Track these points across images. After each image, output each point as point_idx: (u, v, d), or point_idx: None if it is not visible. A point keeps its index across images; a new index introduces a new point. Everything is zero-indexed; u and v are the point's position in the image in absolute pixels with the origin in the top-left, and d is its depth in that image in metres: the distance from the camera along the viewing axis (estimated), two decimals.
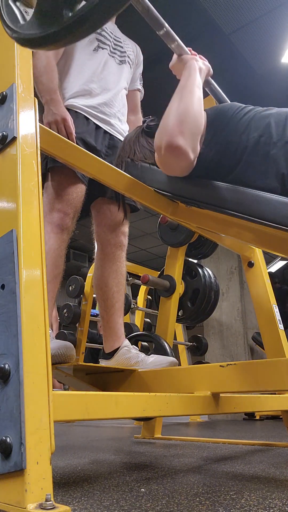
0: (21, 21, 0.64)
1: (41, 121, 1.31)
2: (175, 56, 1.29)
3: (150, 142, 1.35)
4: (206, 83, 1.36)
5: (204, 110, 1.22)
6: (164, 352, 1.73)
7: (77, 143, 1.52)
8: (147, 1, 1.13)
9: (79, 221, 1.63)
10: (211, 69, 1.33)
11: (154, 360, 1.55)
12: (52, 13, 0.58)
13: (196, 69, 1.23)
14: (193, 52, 1.30)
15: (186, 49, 1.28)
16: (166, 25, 1.19)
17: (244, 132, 1.14)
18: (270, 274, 4.46)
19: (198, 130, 1.11)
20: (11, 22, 0.64)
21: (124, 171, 1.38)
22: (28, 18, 0.64)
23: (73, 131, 1.55)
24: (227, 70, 3.44)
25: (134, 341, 1.89)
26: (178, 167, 1.14)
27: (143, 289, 3.79)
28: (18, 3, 0.66)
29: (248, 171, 1.11)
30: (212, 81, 1.39)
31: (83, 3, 0.56)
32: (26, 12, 0.85)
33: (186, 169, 1.16)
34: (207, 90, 1.40)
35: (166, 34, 1.21)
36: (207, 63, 1.31)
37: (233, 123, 1.17)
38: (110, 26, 1.84)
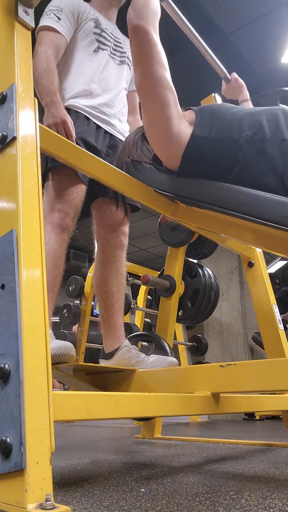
0: None
1: (41, 122, 1.32)
2: None
3: (149, 149, 1.36)
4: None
5: (191, 108, 1.27)
6: (164, 352, 1.73)
7: (77, 143, 1.53)
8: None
9: (79, 221, 1.63)
10: None
11: (154, 360, 1.55)
12: None
13: None
14: None
15: None
16: None
17: (235, 130, 1.14)
18: (270, 275, 4.46)
19: (156, 14, 1.23)
20: None
21: (124, 171, 1.38)
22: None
23: (73, 134, 1.55)
24: (227, 70, 3.44)
25: (134, 341, 1.89)
26: (147, 54, 1.18)
27: (143, 289, 3.79)
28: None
29: (247, 170, 1.12)
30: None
31: None
32: (26, 12, 0.85)
33: (168, 110, 1.18)
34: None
35: None
36: None
37: (224, 116, 1.20)
38: (111, 27, 1.84)
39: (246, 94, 1.74)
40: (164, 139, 1.20)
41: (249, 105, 1.70)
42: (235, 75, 1.75)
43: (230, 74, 1.75)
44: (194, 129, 1.19)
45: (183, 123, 1.19)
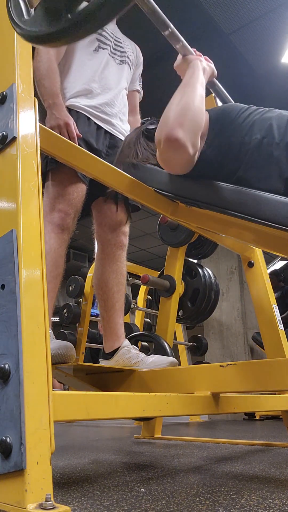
0: (26, 16, 0.64)
1: (43, 123, 1.31)
2: (179, 57, 1.29)
3: (150, 145, 1.35)
4: (211, 84, 1.37)
5: (206, 110, 1.23)
6: (164, 352, 1.73)
7: (78, 144, 1.52)
8: (153, 2, 1.13)
9: (79, 221, 1.63)
10: (216, 71, 1.34)
11: (154, 360, 1.55)
12: (55, 12, 0.58)
13: (200, 68, 1.24)
14: (197, 53, 1.31)
15: (191, 49, 1.28)
16: (171, 25, 1.19)
17: (247, 134, 1.14)
18: (274, 271, 4.43)
19: (198, 126, 1.11)
20: (17, 16, 0.64)
21: (124, 171, 1.38)
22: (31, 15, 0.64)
23: (76, 136, 1.55)
24: (227, 70, 3.44)
25: (134, 341, 1.89)
26: (177, 161, 1.14)
27: (143, 289, 3.79)
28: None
29: (251, 172, 1.11)
30: (217, 82, 1.39)
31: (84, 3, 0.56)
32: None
33: (186, 165, 1.15)
34: (212, 91, 1.40)
35: (171, 35, 1.22)
36: (212, 64, 1.32)
37: (236, 124, 1.17)
38: (111, 27, 1.84)
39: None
40: (179, 172, 1.21)
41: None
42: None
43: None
44: (205, 147, 1.17)
45: (195, 156, 1.16)
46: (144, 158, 1.37)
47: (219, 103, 1.93)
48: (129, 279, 3.51)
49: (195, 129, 1.10)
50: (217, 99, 2.00)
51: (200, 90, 1.18)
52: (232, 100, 1.45)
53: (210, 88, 1.36)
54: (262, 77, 3.91)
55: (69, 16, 0.56)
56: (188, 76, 1.21)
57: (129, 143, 1.42)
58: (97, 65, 1.73)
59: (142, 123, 1.42)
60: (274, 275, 4.27)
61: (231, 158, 1.15)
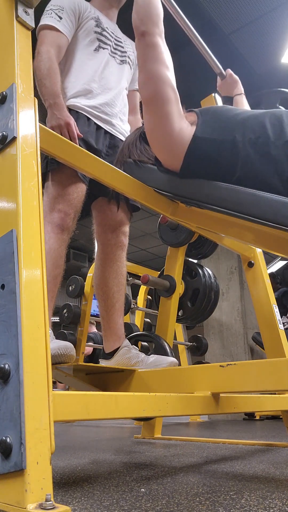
0: None
1: (43, 123, 1.31)
2: None
3: (147, 148, 1.36)
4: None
5: (193, 109, 1.27)
6: (164, 352, 1.73)
7: (78, 144, 1.52)
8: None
9: (79, 221, 1.63)
10: None
11: (154, 360, 1.55)
12: None
13: None
14: None
15: None
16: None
17: (238, 132, 1.14)
18: (271, 274, 4.44)
19: (158, 15, 1.25)
20: None
21: (124, 171, 1.38)
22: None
23: (76, 136, 1.55)
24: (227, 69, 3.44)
25: (134, 341, 1.89)
26: (154, 55, 1.21)
27: (143, 289, 3.79)
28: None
29: (250, 173, 1.11)
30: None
31: None
32: (26, 12, 0.85)
33: (171, 113, 1.18)
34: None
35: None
36: None
37: (227, 118, 1.19)
38: (112, 26, 1.84)
39: (241, 88, 1.75)
40: (165, 137, 1.20)
41: (243, 99, 1.70)
42: (229, 71, 1.76)
43: (225, 70, 1.76)
44: (196, 130, 1.18)
45: (184, 122, 1.19)
46: (144, 158, 1.37)
47: (220, 103, 1.94)
48: (129, 279, 3.51)
49: (155, 19, 1.24)
50: (217, 98, 2.00)
51: None
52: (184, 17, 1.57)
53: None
54: (262, 77, 3.91)
55: None
56: None
57: (128, 144, 1.43)
58: (97, 65, 1.73)
59: (143, 123, 1.42)
60: (271, 277, 4.29)
61: (227, 157, 1.15)
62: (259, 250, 1.93)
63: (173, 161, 1.22)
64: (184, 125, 1.19)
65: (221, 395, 1.25)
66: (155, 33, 1.22)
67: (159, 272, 2.43)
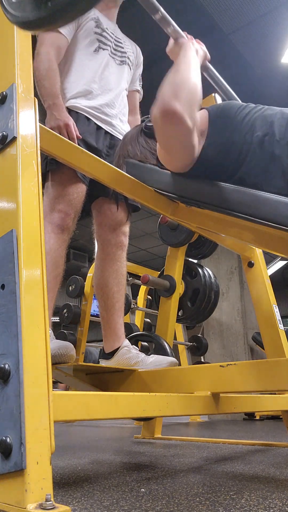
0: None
1: (43, 123, 1.31)
2: (171, 41, 1.30)
3: (149, 142, 1.35)
4: (204, 68, 1.36)
5: (205, 108, 1.22)
6: (164, 352, 1.73)
7: (78, 144, 1.52)
8: None
9: (79, 221, 1.63)
10: (208, 54, 1.34)
11: (154, 360, 1.55)
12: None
13: (192, 49, 1.24)
14: (189, 36, 1.31)
15: (182, 33, 1.29)
16: (162, 9, 1.21)
17: (248, 132, 1.13)
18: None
19: (195, 99, 1.08)
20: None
21: (124, 171, 1.38)
22: None
23: (76, 137, 1.55)
24: (227, 70, 3.44)
25: (134, 341, 1.89)
26: (177, 138, 1.09)
27: (143, 289, 3.79)
28: None
29: (253, 171, 1.11)
30: (210, 66, 1.40)
31: None
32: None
33: (187, 146, 1.11)
34: (205, 75, 1.40)
35: (162, 19, 1.22)
36: (204, 47, 1.32)
37: (236, 122, 1.16)
38: (111, 27, 1.84)
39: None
40: (180, 161, 1.18)
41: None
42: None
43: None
44: (206, 143, 1.15)
45: (196, 137, 1.13)
46: (143, 157, 1.37)
47: (219, 101, 1.93)
48: (129, 279, 3.51)
49: (192, 102, 1.06)
50: (217, 98, 2.00)
51: (195, 66, 1.17)
52: (226, 84, 1.44)
53: (203, 72, 1.35)
54: (262, 77, 3.91)
55: (49, 4, 0.58)
56: (181, 56, 1.20)
57: (128, 141, 1.41)
58: (97, 66, 1.73)
59: (142, 121, 1.42)
60: None
61: (232, 159, 1.14)
62: (259, 250, 1.93)
63: (180, 169, 1.22)
64: (196, 140, 1.13)
65: (221, 395, 1.25)
66: (187, 120, 1.04)
67: (159, 272, 2.43)
